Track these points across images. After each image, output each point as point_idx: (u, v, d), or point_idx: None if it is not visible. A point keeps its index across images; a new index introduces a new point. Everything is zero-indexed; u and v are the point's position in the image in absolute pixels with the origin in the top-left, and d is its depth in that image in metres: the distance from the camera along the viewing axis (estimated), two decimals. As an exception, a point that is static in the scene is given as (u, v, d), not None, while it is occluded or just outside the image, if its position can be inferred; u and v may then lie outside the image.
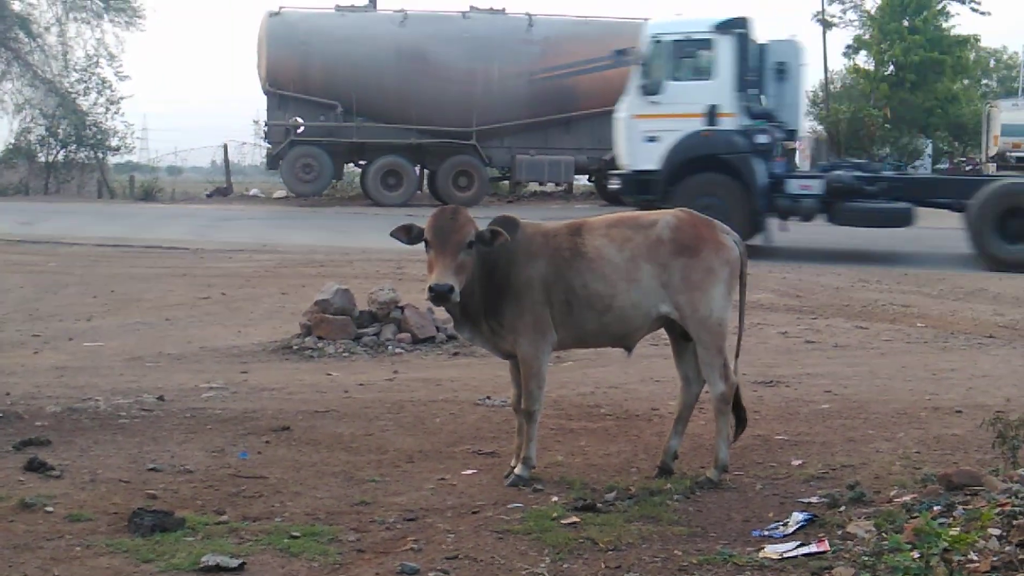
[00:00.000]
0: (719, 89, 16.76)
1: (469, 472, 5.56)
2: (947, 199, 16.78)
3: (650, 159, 16.88)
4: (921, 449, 5.89)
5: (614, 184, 18.33)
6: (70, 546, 4.35)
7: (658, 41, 17.17)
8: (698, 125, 16.70)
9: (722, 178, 16.65)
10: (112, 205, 29.48)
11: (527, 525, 4.66)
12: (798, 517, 4.69)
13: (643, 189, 17.01)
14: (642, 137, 17.08)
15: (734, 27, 16.86)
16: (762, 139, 16.63)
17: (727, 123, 16.72)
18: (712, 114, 16.69)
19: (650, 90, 17.03)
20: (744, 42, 16.86)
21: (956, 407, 6.91)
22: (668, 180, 16.71)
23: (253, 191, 34.84)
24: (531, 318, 5.24)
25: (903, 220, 16.77)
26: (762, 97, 17.53)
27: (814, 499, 5.03)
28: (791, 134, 18.07)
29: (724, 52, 16.81)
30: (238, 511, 4.87)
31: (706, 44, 16.98)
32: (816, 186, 16.78)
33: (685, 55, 17.21)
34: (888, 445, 6.00)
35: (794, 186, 16.80)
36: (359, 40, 27.27)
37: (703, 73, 17.09)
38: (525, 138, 28.33)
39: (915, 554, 3.63)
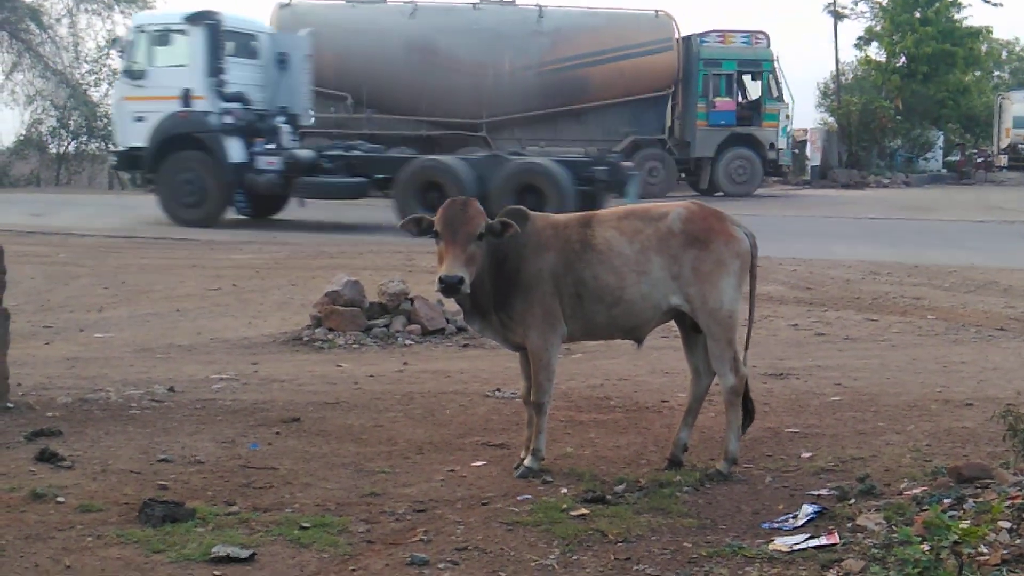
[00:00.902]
0: (192, 74, 18.75)
1: (479, 464, 5.57)
2: (386, 174, 18.75)
3: (139, 137, 18.94)
4: (931, 442, 5.88)
5: (112, 160, 20.80)
6: (81, 536, 4.36)
7: (141, 31, 19.55)
8: (176, 107, 18.69)
9: (198, 155, 18.78)
10: (123, 196, 29.52)
11: (536, 517, 4.66)
12: (808, 510, 4.69)
13: (135, 165, 19.73)
14: (131, 117, 19.13)
15: (204, 19, 18.92)
16: (228, 119, 18.69)
17: (200, 105, 18.69)
18: (187, 97, 18.66)
19: (135, 75, 19.16)
20: (214, 32, 18.85)
21: (967, 400, 6.89)
22: (154, 156, 18.80)
23: (264, 182, 34.78)
24: (541, 310, 5.24)
25: (357, 193, 19.28)
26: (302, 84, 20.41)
27: (824, 492, 5.03)
28: (294, 118, 20.25)
29: (196, 41, 18.85)
30: (248, 502, 4.88)
31: (180, 34, 19.11)
32: (278, 163, 18.64)
33: (163, 43, 19.27)
34: (898, 438, 5.99)
35: (262, 163, 18.75)
36: (369, 32, 27.22)
37: (179, 60, 18.99)
38: (535, 130, 28.23)
39: (925, 547, 3.62)
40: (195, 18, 18.99)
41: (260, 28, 21.00)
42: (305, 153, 19.19)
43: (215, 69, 18.81)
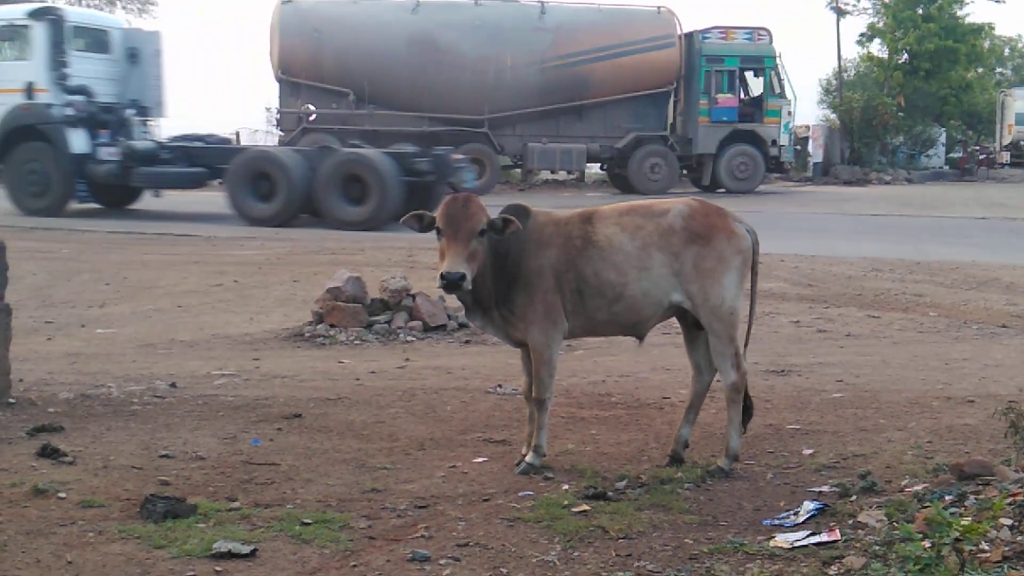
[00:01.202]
0: (35, 68, 19.38)
1: (480, 460, 5.57)
2: (221, 165, 19.53)
3: None
4: (933, 439, 5.87)
5: None
6: (83, 532, 4.37)
7: None
8: (20, 99, 19.38)
9: (42, 146, 19.49)
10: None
11: (538, 513, 4.66)
12: (809, 506, 4.69)
13: None
14: None
15: (46, 15, 19.48)
16: (70, 111, 19.35)
17: (43, 98, 19.37)
18: (30, 90, 19.34)
19: None
20: (57, 27, 19.41)
21: (968, 396, 6.89)
22: (1, 148, 19.51)
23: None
24: (542, 306, 5.24)
25: (196, 182, 20.45)
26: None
27: (825, 488, 5.03)
28: (145, 110, 20.99)
29: (38, 36, 19.38)
30: (250, 498, 4.88)
31: (23, 28, 19.62)
32: (117, 153, 19.47)
33: (7, 38, 19.94)
34: (900, 434, 5.99)
35: (103, 153, 19.55)
36: (371, 28, 27.23)
37: (22, 54, 19.65)
38: (537, 126, 28.29)
39: (926, 544, 3.62)
40: (37, 13, 19.57)
41: (110, 24, 21.65)
42: (144, 144, 19.95)
43: (58, 63, 19.39)
